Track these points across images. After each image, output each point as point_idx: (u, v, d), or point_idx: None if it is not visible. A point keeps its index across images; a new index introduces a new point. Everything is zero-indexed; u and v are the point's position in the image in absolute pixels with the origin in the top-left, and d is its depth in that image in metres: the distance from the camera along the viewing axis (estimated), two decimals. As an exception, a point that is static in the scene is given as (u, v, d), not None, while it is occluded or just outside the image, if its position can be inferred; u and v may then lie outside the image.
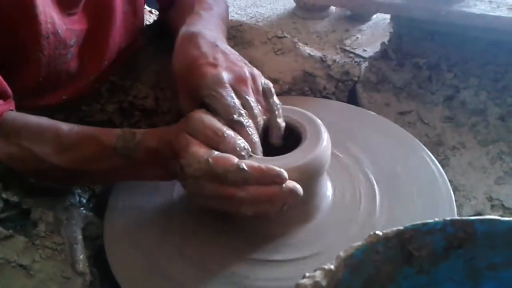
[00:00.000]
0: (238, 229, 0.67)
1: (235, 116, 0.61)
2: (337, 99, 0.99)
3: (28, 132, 0.66)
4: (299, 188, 0.58)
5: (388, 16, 1.09)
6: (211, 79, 0.63)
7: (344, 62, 1.02)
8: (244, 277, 0.63)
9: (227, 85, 0.63)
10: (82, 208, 0.74)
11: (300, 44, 0.99)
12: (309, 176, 0.63)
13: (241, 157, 0.59)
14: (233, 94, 0.63)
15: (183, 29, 0.73)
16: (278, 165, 0.58)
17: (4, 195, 0.65)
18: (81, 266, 0.64)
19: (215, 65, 0.65)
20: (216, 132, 0.59)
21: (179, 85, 0.69)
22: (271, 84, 0.69)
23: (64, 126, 0.67)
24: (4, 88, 0.67)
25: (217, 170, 0.56)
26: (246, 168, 0.56)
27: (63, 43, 0.73)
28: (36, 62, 0.71)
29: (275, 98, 0.68)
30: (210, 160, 0.57)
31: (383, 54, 1.03)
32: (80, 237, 0.68)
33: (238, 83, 0.64)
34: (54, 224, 0.66)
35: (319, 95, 0.97)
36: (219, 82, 0.63)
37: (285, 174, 0.57)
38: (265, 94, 0.68)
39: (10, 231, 0.62)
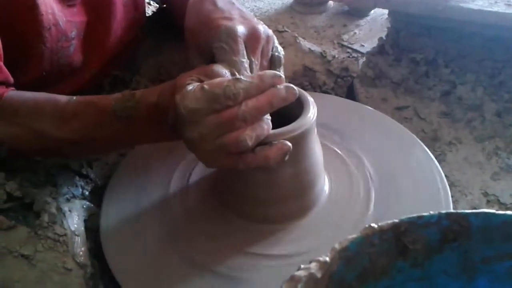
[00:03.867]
0: (236, 223, 0.68)
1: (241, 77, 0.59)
2: (336, 94, 0.99)
3: (26, 109, 0.65)
4: (293, 86, 0.56)
5: (385, 11, 1.09)
6: (225, 31, 0.62)
7: (344, 58, 1.02)
8: (243, 271, 0.63)
9: (241, 40, 0.62)
10: (84, 200, 0.74)
11: (300, 38, 0.99)
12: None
13: None
14: (244, 52, 0.62)
15: None
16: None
17: (7, 188, 0.65)
18: (82, 258, 0.64)
19: (230, 19, 0.64)
20: None
21: (191, 41, 0.67)
22: (283, 53, 0.68)
23: (62, 98, 0.66)
24: (6, 76, 0.66)
25: (215, 90, 0.53)
26: (243, 78, 0.54)
27: (64, 35, 0.73)
28: (39, 55, 0.71)
29: (281, 70, 0.67)
30: (205, 86, 0.54)
31: (380, 49, 1.03)
32: (82, 228, 0.68)
33: (251, 40, 0.63)
34: (56, 215, 0.66)
35: (318, 90, 0.97)
36: (233, 35, 0.62)
37: (281, 75, 0.56)
38: (273, 61, 0.66)
39: (13, 221, 0.62)
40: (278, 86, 0.55)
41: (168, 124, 0.60)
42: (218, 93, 0.53)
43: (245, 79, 0.54)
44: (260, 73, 0.56)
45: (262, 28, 0.65)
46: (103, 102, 0.64)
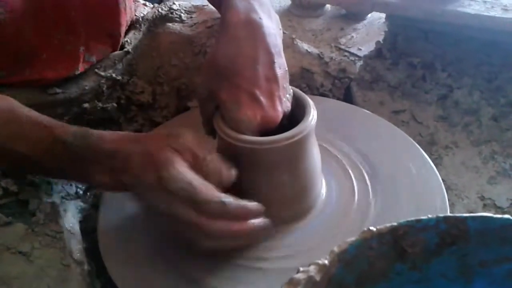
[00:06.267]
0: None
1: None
2: (334, 96, 0.99)
3: None
4: (268, 224, 0.59)
5: (383, 15, 1.09)
6: (245, 122, 0.61)
7: (341, 59, 1.02)
8: (240, 273, 0.63)
9: (253, 133, 0.62)
10: (79, 199, 0.74)
11: (298, 40, 0.99)
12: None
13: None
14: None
15: (241, 8, 0.68)
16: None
17: (3, 184, 0.65)
18: (79, 255, 0.64)
19: (254, 104, 0.62)
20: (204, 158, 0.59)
21: (213, 71, 0.65)
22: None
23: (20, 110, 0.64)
24: None
25: (199, 196, 0.55)
26: (226, 202, 0.56)
27: None
28: None
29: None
30: (193, 183, 0.55)
31: (377, 53, 1.03)
32: (77, 228, 0.68)
33: (261, 129, 0.63)
34: (52, 214, 0.66)
35: (316, 92, 0.97)
36: (249, 128, 0.62)
37: (260, 208, 0.59)
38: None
39: (10, 218, 0.63)
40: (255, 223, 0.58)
41: (117, 179, 0.59)
42: (199, 200, 0.55)
43: (232, 203, 0.56)
44: (242, 204, 0.58)
45: (280, 116, 0.64)
46: (60, 130, 0.62)
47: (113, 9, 0.82)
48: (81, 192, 0.76)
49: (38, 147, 0.61)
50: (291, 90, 0.68)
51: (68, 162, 0.61)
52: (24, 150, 0.61)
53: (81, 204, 0.73)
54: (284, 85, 0.66)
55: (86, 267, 0.64)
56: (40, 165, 0.63)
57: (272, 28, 0.68)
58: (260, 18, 0.67)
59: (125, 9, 0.85)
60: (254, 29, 0.66)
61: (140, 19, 0.94)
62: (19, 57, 0.74)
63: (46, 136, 0.61)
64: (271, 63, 0.64)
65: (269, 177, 0.64)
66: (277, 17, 0.73)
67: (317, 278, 0.40)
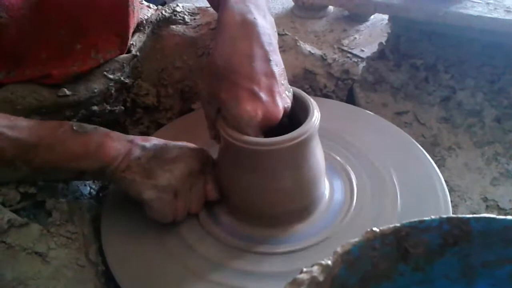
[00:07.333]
0: (238, 227, 0.69)
1: None
2: (337, 97, 0.99)
3: None
4: None
5: (386, 16, 1.10)
6: (246, 118, 0.62)
7: (344, 60, 1.02)
8: (243, 275, 0.63)
9: (255, 131, 0.62)
10: (92, 200, 0.75)
11: (301, 42, 0.99)
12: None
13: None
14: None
15: (236, 10, 0.69)
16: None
17: (21, 189, 0.65)
18: (93, 256, 0.65)
19: (254, 100, 0.62)
20: None
21: (211, 73, 0.65)
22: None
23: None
24: None
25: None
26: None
27: None
28: None
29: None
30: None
31: (380, 55, 1.03)
32: (91, 228, 0.69)
33: (263, 126, 0.63)
34: (68, 213, 0.66)
35: (319, 93, 0.97)
36: (250, 124, 0.62)
37: None
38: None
39: (25, 219, 0.63)
40: None
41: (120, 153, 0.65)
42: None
43: None
44: None
45: (281, 111, 0.64)
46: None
47: (123, 11, 0.83)
48: (94, 192, 0.77)
49: (40, 128, 0.65)
50: (291, 88, 0.68)
51: (69, 140, 0.65)
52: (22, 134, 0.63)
53: (94, 203, 0.74)
54: (283, 82, 0.66)
55: (100, 267, 0.65)
56: (34, 151, 0.63)
57: (267, 28, 0.68)
58: (254, 18, 0.67)
59: (133, 11, 0.85)
60: (248, 28, 0.66)
61: (144, 21, 0.94)
62: (17, 57, 0.74)
63: (47, 123, 0.66)
64: (267, 60, 0.65)
65: (272, 178, 0.64)
66: (272, 19, 0.73)
67: (320, 278, 0.40)
